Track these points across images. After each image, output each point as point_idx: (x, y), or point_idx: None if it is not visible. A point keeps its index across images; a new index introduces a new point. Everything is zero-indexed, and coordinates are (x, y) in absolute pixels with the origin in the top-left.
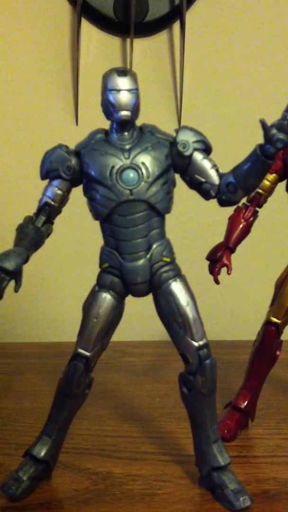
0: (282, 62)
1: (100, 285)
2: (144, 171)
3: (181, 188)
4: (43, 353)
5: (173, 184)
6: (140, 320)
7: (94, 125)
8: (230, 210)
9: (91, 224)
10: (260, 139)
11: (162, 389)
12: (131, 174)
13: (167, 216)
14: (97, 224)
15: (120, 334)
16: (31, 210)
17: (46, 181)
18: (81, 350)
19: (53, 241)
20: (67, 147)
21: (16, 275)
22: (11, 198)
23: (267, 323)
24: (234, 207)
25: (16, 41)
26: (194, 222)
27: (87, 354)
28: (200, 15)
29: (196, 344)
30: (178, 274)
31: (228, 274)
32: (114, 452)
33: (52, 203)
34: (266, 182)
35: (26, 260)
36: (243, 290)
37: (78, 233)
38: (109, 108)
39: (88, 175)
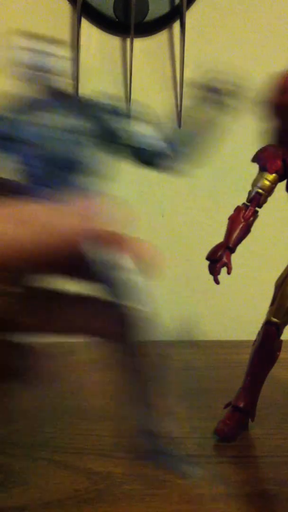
0: (283, 62)
1: None
2: None
3: (181, 188)
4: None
5: None
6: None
7: None
8: (230, 210)
9: None
10: (261, 140)
11: (162, 389)
12: None
13: (168, 216)
14: None
15: None
16: None
17: None
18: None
19: None
20: None
21: None
22: None
23: (267, 323)
24: (234, 207)
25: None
26: (194, 222)
27: None
28: (200, 15)
29: None
30: None
31: (228, 274)
32: (114, 452)
33: None
34: (266, 182)
35: None
36: (243, 290)
37: None
38: None
39: None
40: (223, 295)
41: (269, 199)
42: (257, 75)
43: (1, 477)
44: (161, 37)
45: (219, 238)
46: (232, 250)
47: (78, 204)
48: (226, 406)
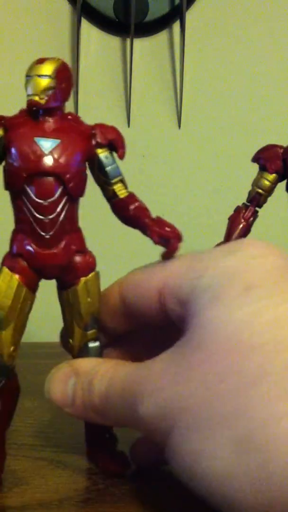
0: (284, 62)
1: None
2: None
3: (181, 188)
4: (43, 353)
5: None
6: None
7: None
8: (230, 210)
9: (92, 223)
10: (261, 140)
11: None
12: None
13: (168, 216)
14: (97, 222)
15: None
16: None
17: None
18: None
19: None
20: None
21: None
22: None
23: None
24: (234, 207)
25: (15, 41)
26: (194, 222)
27: None
28: (200, 15)
29: None
30: None
31: None
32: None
33: None
34: (266, 182)
35: None
36: None
37: None
38: None
39: None
40: None
41: (269, 199)
42: (257, 75)
43: (1, 477)
44: (161, 37)
45: (219, 238)
46: None
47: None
48: None
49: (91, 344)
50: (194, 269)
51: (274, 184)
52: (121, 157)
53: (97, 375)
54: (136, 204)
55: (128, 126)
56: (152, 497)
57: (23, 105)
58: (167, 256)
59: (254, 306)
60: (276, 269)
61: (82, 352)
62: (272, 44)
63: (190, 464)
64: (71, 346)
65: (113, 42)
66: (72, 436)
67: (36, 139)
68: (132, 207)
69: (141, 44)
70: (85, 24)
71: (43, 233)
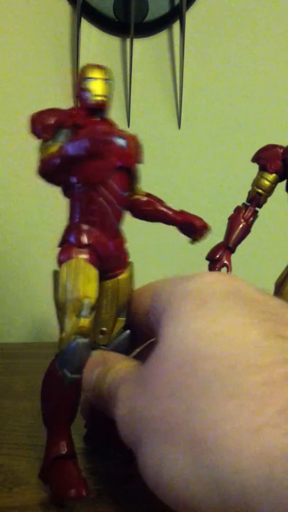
0: (283, 62)
1: None
2: None
3: (181, 188)
4: (42, 353)
5: None
6: None
7: None
8: (230, 210)
9: None
10: (261, 140)
11: None
12: None
13: None
14: None
15: None
16: (29, 210)
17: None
18: None
19: (53, 241)
20: None
21: None
22: (10, 200)
23: None
24: (234, 207)
25: (15, 41)
26: None
27: None
28: (200, 15)
29: None
30: None
31: None
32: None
33: None
34: (266, 182)
35: None
36: None
37: None
38: None
39: None
40: None
41: (269, 199)
42: (257, 75)
43: (1, 477)
44: (161, 37)
45: (219, 238)
46: (232, 250)
47: None
48: None
49: (121, 335)
50: (168, 293)
51: (274, 184)
52: (141, 161)
53: (112, 370)
54: (157, 201)
55: (128, 126)
56: (152, 497)
57: (22, 104)
58: (194, 242)
59: (207, 318)
60: (225, 292)
61: (115, 340)
62: (272, 44)
63: (155, 471)
64: (104, 335)
65: (113, 42)
66: (72, 436)
67: (114, 136)
68: (155, 203)
69: (141, 44)
70: (85, 24)
71: (116, 222)
